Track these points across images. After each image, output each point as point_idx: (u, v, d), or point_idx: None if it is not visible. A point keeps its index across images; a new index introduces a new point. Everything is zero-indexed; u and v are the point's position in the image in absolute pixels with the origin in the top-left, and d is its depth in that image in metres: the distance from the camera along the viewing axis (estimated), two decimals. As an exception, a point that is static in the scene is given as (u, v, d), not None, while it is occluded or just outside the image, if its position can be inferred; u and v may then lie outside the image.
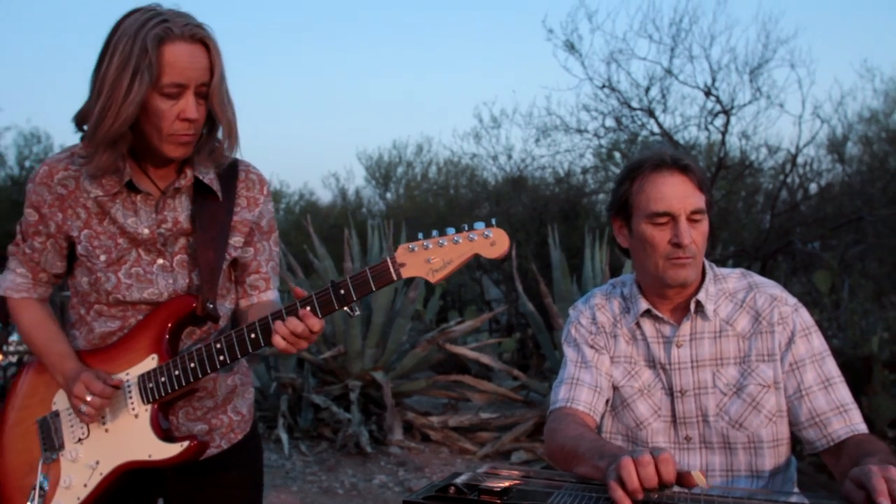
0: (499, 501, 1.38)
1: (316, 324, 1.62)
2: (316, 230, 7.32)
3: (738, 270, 1.95)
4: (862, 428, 1.77)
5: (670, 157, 1.83)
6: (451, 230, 1.55)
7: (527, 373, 7.61)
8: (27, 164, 21.15)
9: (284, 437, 6.05)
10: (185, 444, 1.72)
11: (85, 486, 1.76)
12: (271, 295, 1.96)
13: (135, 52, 1.60)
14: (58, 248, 1.84)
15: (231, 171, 1.86)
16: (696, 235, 1.81)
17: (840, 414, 1.77)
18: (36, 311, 1.90)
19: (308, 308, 1.62)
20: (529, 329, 9.22)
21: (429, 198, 16.55)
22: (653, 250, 1.82)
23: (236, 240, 1.87)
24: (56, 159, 1.79)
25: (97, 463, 1.76)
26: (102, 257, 1.77)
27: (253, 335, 1.66)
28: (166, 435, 1.76)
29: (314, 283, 8.75)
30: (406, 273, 1.56)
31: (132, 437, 1.75)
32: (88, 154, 1.71)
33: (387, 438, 6.28)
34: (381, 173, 18.95)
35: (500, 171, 11.85)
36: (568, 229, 9.85)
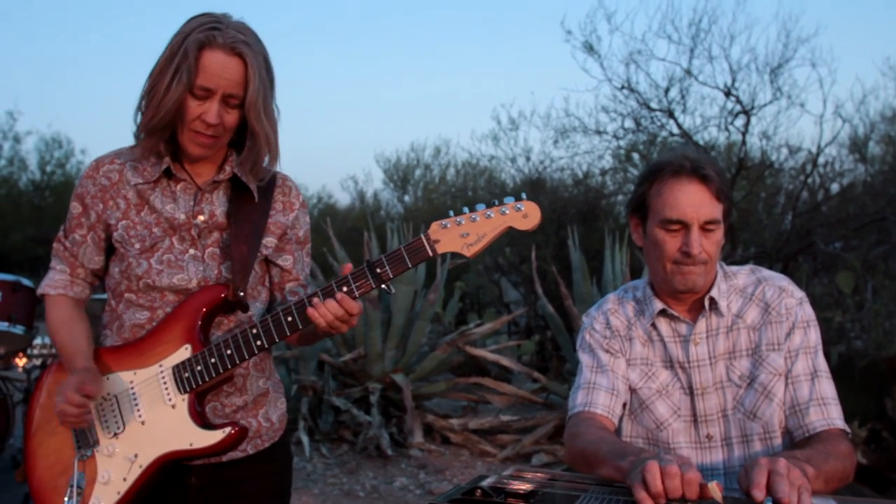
0: (524, 504, 1.38)
1: (354, 307, 1.65)
2: (334, 233, 7.34)
3: (747, 267, 1.98)
4: (838, 423, 1.80)
5: (691, 164, 1.82)
6: (481, 206, 1.56)
7: (546, 375, 7.59)
8: (48, 168, 21.38)
9: (305, 439, 6.07)
10: (228, 430, 1.74)
11: (124, 479, 1.76)
12: None
13: (179, 53, 1.73)
14: (96, 241, 1.89)
15: (269, 179, 1.94)
16: (707, 245, 1.81)
17: (819, 406, 1.81)
18: (67, 308, 1.92)
19: (345, 289, 1.65)
20: (548, 331, 9.20)
21: (447, 200, 16.56)
22: (662, 255, 1.84)
23: (269, 240, 1.92)
24: (104, 155, 1.91)
25: (136, 456, 1.77)
26: (137, 245, 1.84)
27: (290, 318, 1.71)
28: (206, 423, 1.78)
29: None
30: (441, 248, 1.58)
31: (171, 428, 1.76)
32: (137, 137, 1.84)
33: (407, 441, 6.29)
34: (399, 176, 18.98)
35: (519, 172, 11.83)
36: (587, 231, 9.82)
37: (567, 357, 7.16)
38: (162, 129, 1.79)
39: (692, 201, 1.80)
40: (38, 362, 5.28)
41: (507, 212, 1.57)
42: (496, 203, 1.57)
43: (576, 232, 7.35)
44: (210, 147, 1.82)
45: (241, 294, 1.83)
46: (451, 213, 1.58)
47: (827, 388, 1.84)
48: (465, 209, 1.58)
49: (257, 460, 1.91)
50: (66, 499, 1.78)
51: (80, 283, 1.95)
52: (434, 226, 1.59)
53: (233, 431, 1.75)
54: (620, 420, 1.94)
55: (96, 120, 41.27)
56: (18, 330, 4.60)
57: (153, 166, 1.86)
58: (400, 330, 6.77)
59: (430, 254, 1.59)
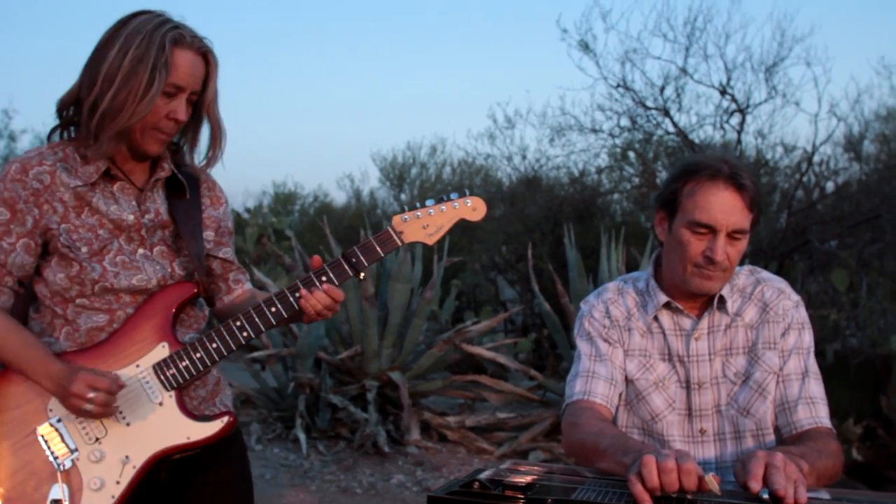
0: (522, 496, 1.39)
1: (340, 294, 1.79)
2: (331, 231, 7.35)
3: (746, 267, 2.00)
4: (825, 422, 1.83)
5: (729, 170, 1.82)
6: (431, 201, 1.79)
7: (543, 373, 7.61)
8: (45, 167, 21.27)
9: (302, 436, 6.08)
10: (225, 419, 1.80)
11: (118, 483, 1.74)
12: (249, 286, 2.08)
13: (152, 51, 1.72)
14: (31, 247, 1.79)
15: (192, 176, 1.98)
16: (731, 252, 1.82)
17: (808, 404, 1.84)
18: (3, 318, 1.79)
19: (324, 279, 1.78)
20: (545, 329, 9.21)
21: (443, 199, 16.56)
22: (685, 256, 1.84)
23: (208, 234, 1.99)
24: (27, 157, 1.81)
25: (127, 458, 1.75)
26: (84, 249, 1.79)
27: (273, 308, 1.78)
28: (198, 416, 1.81)
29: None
30: (407, 238, 1.78)
31: (162, 425, 1.77)
32: (92, 141, 1.77)
33: (404, 438, 6.30)
34: (396, 174, 18.96)
35: (515, 171, 11.83)
36: (583, 229, 9.83)
37: (564, 355, 7.18)
38: (129, 130, 1.76)
39: (724, 208, 1.79)
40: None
41: (458, 206, 1.79)
42: (446, 198, 1.78)
43: (572, 230, 7.37)
44: (166, 144, 1.85)
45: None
46: (406, 207, 1.79)
47: (815, 388, 1.87)
48: (419, 204, 1.79)
49: (220, 447, 1.89)
50: None
51: (6, 292, 1.81)
52: (396, 219, 1.78)
53: (230, 420, 1.80)
54: (616, 410, 1.95)
55: (92, 118, 41.04)
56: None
57: (85, 167, 1.81)
58: (396, 328, 6.78)
59: (399, 243, 1.78)
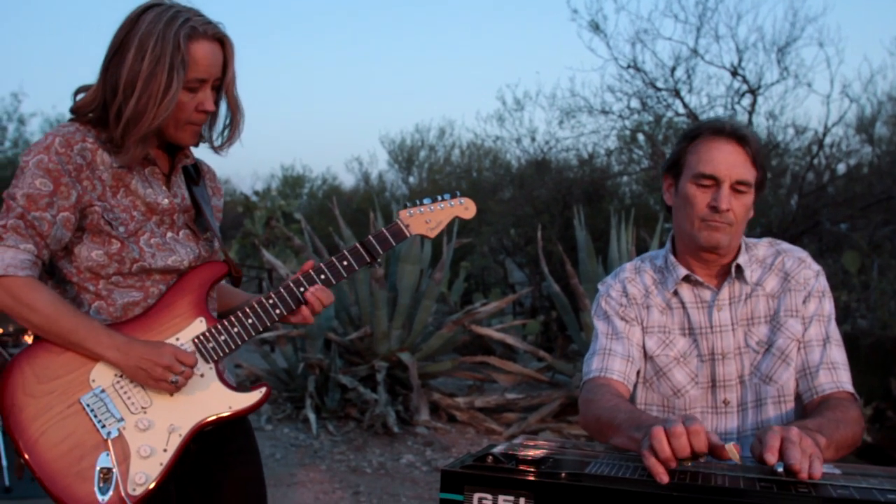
0: (535, 470, 1.39)
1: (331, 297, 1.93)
2: (340, 214, 7.35)
3: (766, 239, 2.00)
4: (847, 387, 1.83)
5: (731, 126, 1.87)
6: (427, 200, 1.98)
7: (551, 355, 7.63)
8: (54, 150, 21.30)
9: (312, 416, 6.12)
10: (263, 390, 1.87)
11: (165, 450, 1.79)
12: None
13: (168, 50, 1.72)
14: (70, 221, 1.78)
15: (196, 165, 2.04)
16: (736, 205, 1.83)
17: (829, 370, 1.84)
18: (50, 292, 1.77)
19: (345, 264, 1.92)
20: (553, 312, 9.22)
21: (452, 181, 16.53)
22: (691, 209, 1.85)
23: (216, 222, 2.05)
24: (68, 131, 1.79)
25: (173, 427, 1.80)
26: (121, 228, 1.81)
27: (301, 288, 1.90)
28: (237, 387, 1.88)
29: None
30: (412, 231, 1.95)
31: (205, 395, 1.84)
32: (118, 148, 1.80)
33: (413, 419, 6.34)
34: (404, 157, 18.96)
35: (524, 153, 11.82)
36: (592, 212, 9.82)
37: (573, 337, 7.19)
38: (163, 128, 1.80)
39: (727, 159, 1.83)
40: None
41: (453, 204, 1.99)
42: (442, 198, 1.99)
43: (581, 212, 7.35)
44: (199, 134, 1.90)
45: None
46: (408, 203, 1.97)
47: (837, 353, 1.86)
48: (417, 201, 1.97)
49: (234, 419, 1.92)
50: (98, 484, 1.74)
51: (40, 265, 1.79)
52: (402, 213, 1.96)
53: (267, 391, 1.88)
54: (634, 387, 1.96)
55: (100, 101, 41.19)
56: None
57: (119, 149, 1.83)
58: (406, 309, 6.80)
59: (407, 234, 1.96)
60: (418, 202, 1.97)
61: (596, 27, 8.85)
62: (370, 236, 1.94)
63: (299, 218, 8.34)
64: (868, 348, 5.48)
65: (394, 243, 1.95)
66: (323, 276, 1.90)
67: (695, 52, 8.63)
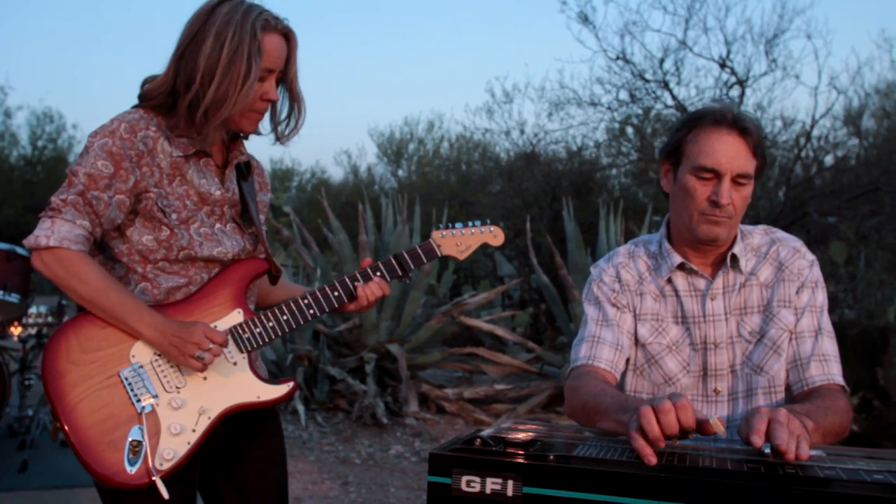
0: (523, 453, 1.39)
1: (387, 289, 2.03)
2: (329, 206, 7.33)
3: (761, 227, 1.99)
4: (837, 379, 1.83)
5: (732, 115, 1.82)
6: (459, 224, 2.10)
7: (540, 346, 7.64)
8: (40, 143, 21.21)
9: (301, 408, 6.11)
10: (291, 384, 1.96)
11: (194, 430, 1.85)
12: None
13: (246, 39, 1.82)
14: (125, 205, 1.87)
15: (247, 162, 2.11)
16: (736, 198, 1.81)
17: (820, 361, 1.84)
18: (100, 269, 1.85)
19: (378, 274, 2.02)
20: (542, 304, 9.23)
21: (441, 174, 16.53)
22: (691, 202, 1.83)
23: (261, 217, 2.11)
24: (133, 118, 1.88)
25: (203, 409, 1.87)
26: (173, 215, 1.89)
27: (336, 293, 2.00)
28: (267, 378, 1.96)
29: (328, 258, 8.78)
30: (443, 251, 2.07)
31: (236, 383, 1.91)
32: (196, 134, 1.90)
33: (402, 410, 6.34)
34: (393, 150, 18.93)
35: (513, 146, 11.81)
36: (581, 204, 9.83)
37: (562, 328, 7.19)
38: (230, 115, 1.88)
39: (728, 151, 1.80)
40: (33, 331, 5.26)
41: (483, 231, 2.11)
42: (473, 224, 2.10)
43: (570, 204, 7.36)
44: (259, 122, 1.99)
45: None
46: (441, 225, 2.09)
47: (829, 345, 1.86)
48: (450, 224, 2.10)
49: (260, 407, 2.01)
50: (128, 455, 1.80)
51: (90, 243, 1.87)
52: (435, 234, 2.07)
53: (293, 385, 1.96)
54: (623, 375, 1.95)
55: (88, 94, 40.95)
56: (13, 299, 4.56)
57: (179, 139, 1.92)
58: (395, 300, 6.79)
59: (438, 254, 2.07)
60: (451, 225, 2.09)
61: (585, 18, 8.85)
62: (404, 251, 2.05)
63: (288, 211, 8.30)
64: (855, 338, 5.51)
65: (425, 261, 2.06)
66: (356, 283, 2.00)
67: (683, 43, 8.65)
